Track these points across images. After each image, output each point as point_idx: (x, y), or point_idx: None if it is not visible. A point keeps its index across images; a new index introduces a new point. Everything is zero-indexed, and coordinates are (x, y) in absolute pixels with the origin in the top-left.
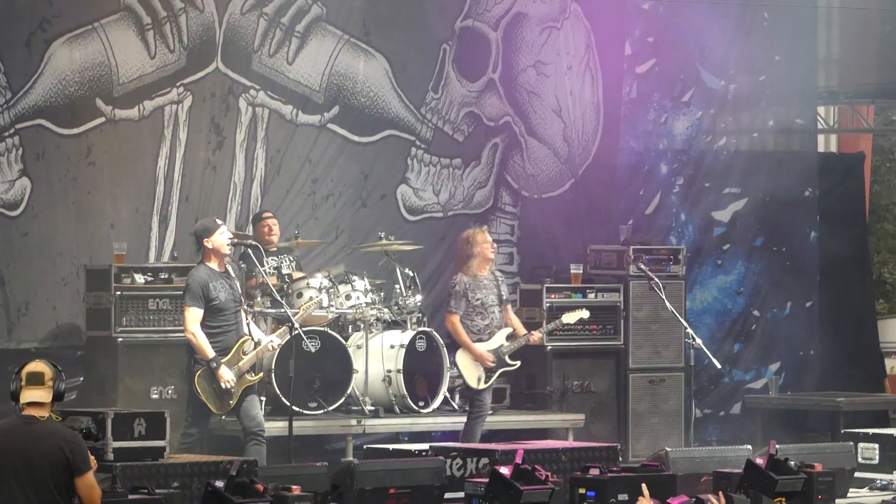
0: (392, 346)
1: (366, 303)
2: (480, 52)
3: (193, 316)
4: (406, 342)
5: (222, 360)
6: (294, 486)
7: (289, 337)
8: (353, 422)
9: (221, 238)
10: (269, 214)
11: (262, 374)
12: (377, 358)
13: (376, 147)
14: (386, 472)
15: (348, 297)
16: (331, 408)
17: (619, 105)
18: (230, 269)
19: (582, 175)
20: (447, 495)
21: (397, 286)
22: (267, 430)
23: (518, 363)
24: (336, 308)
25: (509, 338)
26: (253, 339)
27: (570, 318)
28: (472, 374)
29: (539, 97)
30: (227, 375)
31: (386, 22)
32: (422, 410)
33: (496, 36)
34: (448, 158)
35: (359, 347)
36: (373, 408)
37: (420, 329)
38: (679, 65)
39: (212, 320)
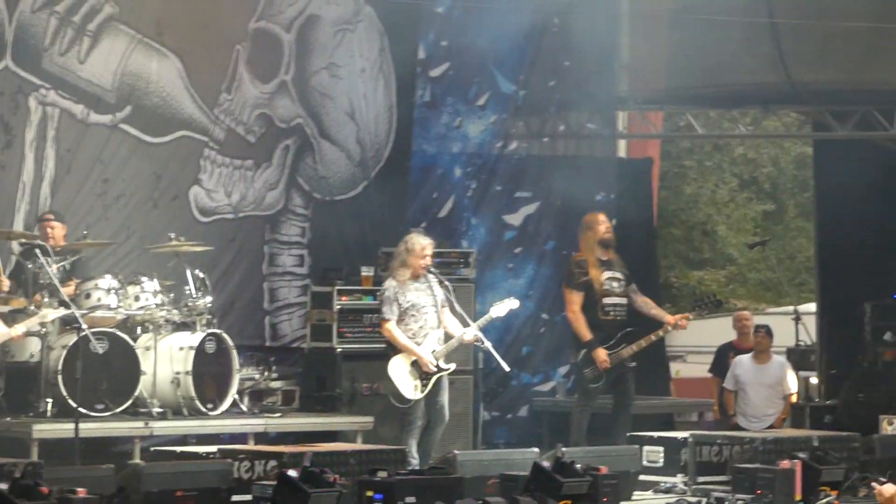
0: (181, 348)
1: (155, 304)
2: (273, 54)
3: None
4: (195, 344)
5: None
6: (79, 489)
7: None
8: (141, 424)
9: None
10: (50, 216)
11: None
12: (166, 359)
13: (169, 147)
14: (173, 474)
15: (137, 299)
16: (118, 409)
17: (412, 108)
18: None
19: (374, 178)
20: (235, 498)
21: (187, 288)
22: (53, 431)
23: (454, 365)
24: (125, 309)
25: (441, 341)
26: None
27: (498, 310)
28: (408, 384)
29: (332, 99)
30: None
31: (179, 22)
32: (210, 413)
33: (289, 38)
34: (240, 160)
35: (147, 349)
36: (161, 410)
37: (210, 331)
38: (473, 69)
39: None
